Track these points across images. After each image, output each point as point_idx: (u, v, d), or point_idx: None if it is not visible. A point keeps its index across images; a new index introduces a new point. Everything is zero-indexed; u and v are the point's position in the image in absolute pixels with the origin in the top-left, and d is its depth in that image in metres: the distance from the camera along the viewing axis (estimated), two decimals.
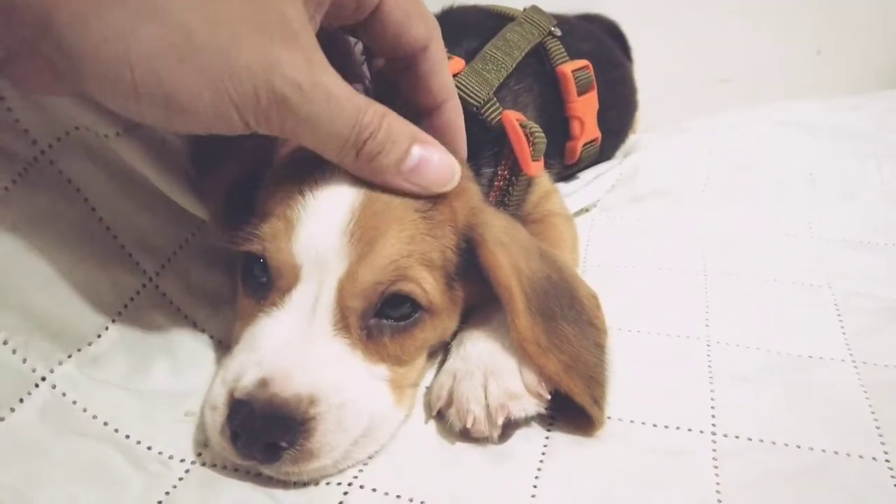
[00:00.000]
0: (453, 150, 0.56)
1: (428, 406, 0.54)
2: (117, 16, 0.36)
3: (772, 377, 0.57)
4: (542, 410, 0.51)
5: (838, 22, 1.58)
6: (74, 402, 0.48)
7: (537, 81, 0.83)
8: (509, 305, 0.50)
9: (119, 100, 0.40)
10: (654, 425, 0.52)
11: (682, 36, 1.56)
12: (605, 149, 0.99)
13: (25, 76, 0.41)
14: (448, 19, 0.91)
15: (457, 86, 0.68)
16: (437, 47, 0.55)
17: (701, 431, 0.51)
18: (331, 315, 0.48)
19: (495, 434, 0.50)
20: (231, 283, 0.59)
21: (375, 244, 0.48)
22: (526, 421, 0.51)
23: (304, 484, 0.47)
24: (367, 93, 0.57)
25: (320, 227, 0.48)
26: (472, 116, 0.68)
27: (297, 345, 0.47)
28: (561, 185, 0.91)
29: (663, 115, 1.28)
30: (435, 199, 0.52)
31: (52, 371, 0.48)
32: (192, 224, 0.56)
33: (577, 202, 0.88)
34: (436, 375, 0.55)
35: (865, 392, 0.56)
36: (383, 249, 0.48)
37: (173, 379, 0.53)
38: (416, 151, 0.49)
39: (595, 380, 0.51)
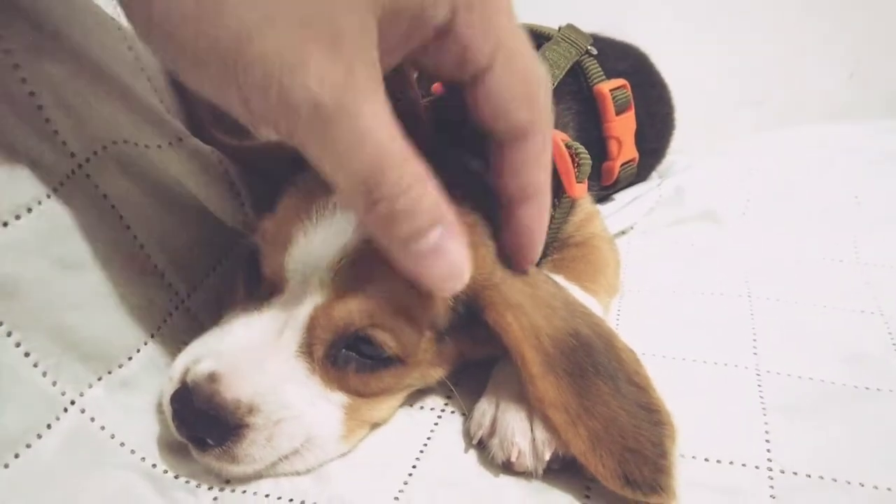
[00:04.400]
0: (520, 261, 0.52)
1: (468, 434, 0.51)
2: None
3: (827, 409, 0.54)
4: None
5: (870, 45, 1.55)
6: (103, 428, 0.46)
7: (575, 100, 0.81)
8: (523, 370, 0.47)
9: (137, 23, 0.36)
10: (706, 460, 0.49)
11: (713, 58, 1.54)
12: (642, 169, 0.97)
13: None
14: None
15: None
16: (538, 139, 0.46)
17: (756, 467, 0.49)
18: (298, 337, 0.48)
19: (540, 469, 0.47)
20: None
21: (357, 288, 0.47)
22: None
23: None
24: None
25: (312, 255, 0.48)
26: None
27: (258, 352, 0.47)
28: None
29: (695, 137, 1.26)
30: None
31: (81, 395, 0.46)
32: (226, 246, 0.54)
33: (614, 225, 0.85)
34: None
35: None
36: (362, 295, 0.47)
37: None
38: (434, 237, 0.41)
39: (632, 450, 0.44)
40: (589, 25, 0.95)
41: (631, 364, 0.49)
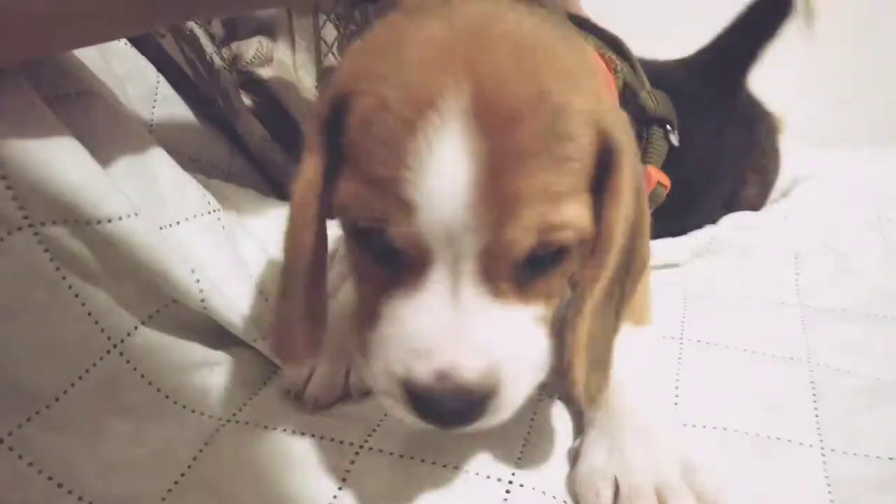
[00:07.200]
0: None
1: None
2: None
3: (730, 462, 0.56)
4: None
5: (863, 71, 1.55)
6: (30, 465, 0.50)
7: None
8: (601, 258, 0.46)
9: None
10: None
11: None
12: None
13: None
14: None
15: None
16: None
17: None
18: (477, 285, 0.43)
19: None
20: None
21: (514, 207, 0.41)
22: None
23: None
24: None
25: (442, 202, 0.41)
26: None
27: (456, 325, 0.43)
28: None
29: None
30: (569, 116, 0.43)
31: (10, 434, 0.50)
32: (164, 297, 0.57)
33: None
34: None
35: (829, 485, 0.54)
36: (522, 210, 0.41)
37: (133, 440, 0.54)
38: None
39: (596, 363, 0.49)
40: None
41: (635, 275, 0.50)
